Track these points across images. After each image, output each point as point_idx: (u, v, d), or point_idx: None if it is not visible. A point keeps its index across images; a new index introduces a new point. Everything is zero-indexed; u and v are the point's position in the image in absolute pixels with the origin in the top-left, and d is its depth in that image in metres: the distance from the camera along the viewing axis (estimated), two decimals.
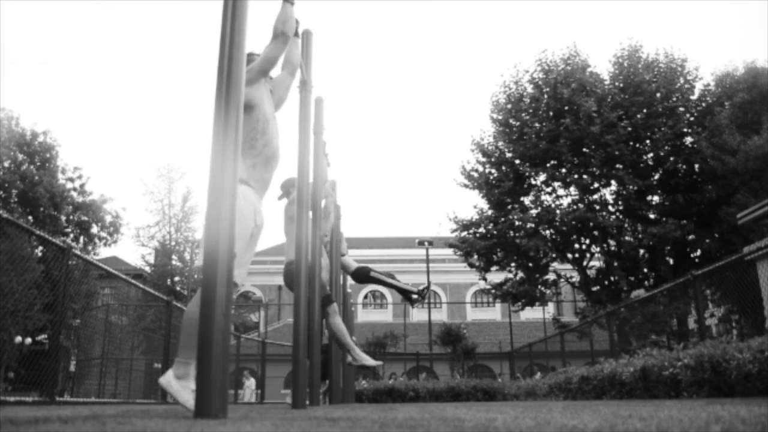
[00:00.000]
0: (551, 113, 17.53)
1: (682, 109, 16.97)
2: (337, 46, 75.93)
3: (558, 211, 17.29)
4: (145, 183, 37.26)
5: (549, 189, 18.27)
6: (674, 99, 16.95)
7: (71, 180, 23.94)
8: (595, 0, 66.05)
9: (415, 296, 5.93)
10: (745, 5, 64.85)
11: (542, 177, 17.76)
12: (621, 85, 17.35)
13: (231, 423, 1.47)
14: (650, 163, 17.24)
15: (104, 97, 65.75)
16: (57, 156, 23.43)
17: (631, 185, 16.47)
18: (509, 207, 17.94)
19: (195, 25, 70.99)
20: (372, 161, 75.38)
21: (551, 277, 18.91)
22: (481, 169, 18.87)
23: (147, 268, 25.47)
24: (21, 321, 13.91)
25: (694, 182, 16.96)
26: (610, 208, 17.67)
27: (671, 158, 16.69)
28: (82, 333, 14.01)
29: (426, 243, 26.34)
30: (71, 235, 23.26)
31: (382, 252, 36.02)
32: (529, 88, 18.34)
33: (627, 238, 17.41)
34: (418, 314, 31.61)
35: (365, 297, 34.95)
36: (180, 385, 2.52)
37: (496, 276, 19.42)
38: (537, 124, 17.61)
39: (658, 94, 16.96)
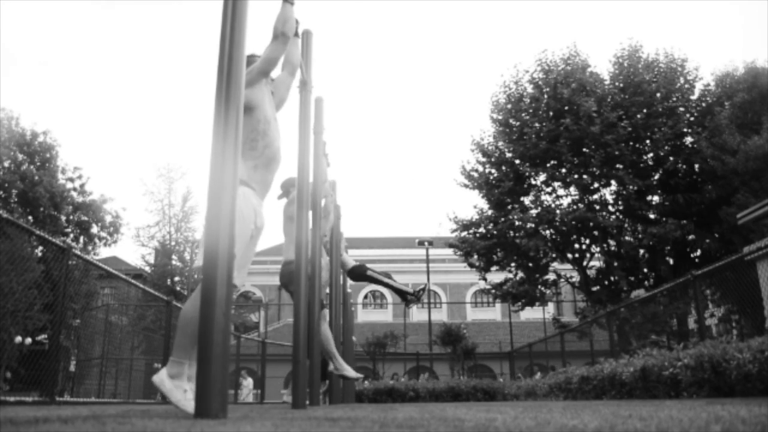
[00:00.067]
0: (551, 113, 17.53)
1: (682, 109, 16.97)
2: (337, 46, 75.95)
3: (558, 211, 17.29)
4: (145, 183, 37.29)
5: (549, 189, 18.27)
6: (674, 99, 16.95)
7: (71, 180, 23.94)
8: (595, 0, 66.07)
9: (410, 297, 5.95)
10: (745, 5, 64.87)
11: (542, 177, 17.76)
12: (621, 85, 17.35)
13: (231, 423, 1.47)
14: (650, 163, 17.24)
15: (104, 97, 65.76)
16: (57, 156, 23.42)
17: (631, 185, 16.47)
18: (509, 207, 17.94)
19: (195, 25, 70.99)
20: (372, 161, 75.41)
21: (551, 277, 18.91)
22: (481, 169, 18.87)
23: (147, 268, 25.47)
24: (21, 321, 13.91)
25: (694, 182, 16.96)
26: (610, 208, 17.67)
27: (671, 158, 16.69)
28: (82, 333, 14.02)
29: (426, 243, 26.35)
30: (71, 235, 23.26)
31: (382, 252, 36.02)
32: (529, 88, 18.34)
33: (627, 238, 17.41)
34: (418, 314, 31.61)
35: (365, 297, 34.95)
36: (173, 384, 2.52)
37: (496, 276, 19.41)
38: (537, 124, 17.61)
39: (658, 94, 16.97)
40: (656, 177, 17.29)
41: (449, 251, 20.76)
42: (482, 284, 20.23)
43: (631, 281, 17.20)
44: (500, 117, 18.64)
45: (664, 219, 16.64)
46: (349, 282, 7.37)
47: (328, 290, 5.89)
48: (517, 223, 17.40)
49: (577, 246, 18.21)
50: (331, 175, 5.69)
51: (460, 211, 33.55)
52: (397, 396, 12.22)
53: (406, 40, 71.49)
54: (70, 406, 5.12)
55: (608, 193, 17.91)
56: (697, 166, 16.87)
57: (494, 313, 33.12)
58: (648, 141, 17.00)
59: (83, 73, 66.21)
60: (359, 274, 6.23)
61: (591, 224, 16.69)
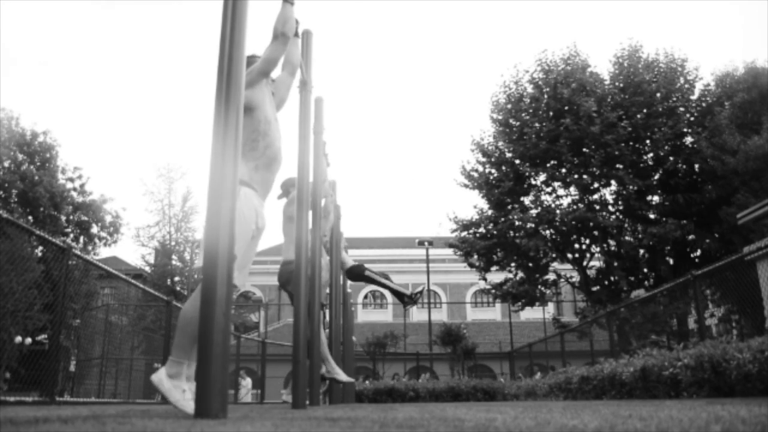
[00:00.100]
0: (551, 113, 17.53)
1: (682, 109, 16.97)
2: (337, 46, 75.96)
3: (558, 211, 17.29)
4: (145, 183, 37.24)
5: (549, 189, 18.27)
6: (674, 99, 16.96)
7: (71, 180, 23.94)
8: (595, 0, 66.08)
9: (407, 299, 5.99)
10: (745, 5, 64.88)
11: (542, 177, 17.76)
12: (621, 85, 17.35)
13: (231, 423, 1.47)
14: (650, 163, 17.25)
15: (104, 97, 65.77)
16: (57, 156, 23.42)
17: (631, 185, 16.47)
18: (509, 207, 17.94)
19: (195, 25, 71.00)
20: (372, 161, 75.41)
21: (551, 277, 18.91)
22: (481, 169, 18.87)
23: (147, 268, 25.47)
24: (21, 321, 13.91)
25: (694, 182, 16.96)
26: (610, 208, 17.67)
27: (671, 158, 16.69)
28: (82, 333, 14.02)
29: (426, 243, 26.34)
30: (71, 235, 23.26)
31: (382, 252, 36.02)
32: (529, 88, 18.34)
33: (627, 238, 17.42)
34: (418, 314, 31.62)
35: (365, 297, 34.96)
36: (171, 384, 2.51)
37: (496, 276, 19.42)
38: (537, 124, 17.61)
39: (658, 94, 16.97)
40: (656, 177, 17.29)
41: (449, 251, 20.76)
42: (482, 284, 20.23)
43: (631, 281, 17.20)
44: (500, 117, 18.65)
45: (664, 219, 16.64)
46: (349, 282, 7.37)
47: (328, 290, 5.89)
48: (517, 223, 17.40)
49: (577, 246, 18.21)
50: (331, 175, 5.69)
51: (460, 211, 33.57)
52: (397, 396, 12.21)
53: (406, 40, 71.53)
54: (70, 406, 5.12)
55: (608, 193, 17.92)
56: (697, 166, 16.87)
57: (494, 313, 33.13)
58: (648, 141, 17.00)
59: (83, 73, 66.24)
60: (357, 274, 6.25)
61: (591, 224, 16.69)
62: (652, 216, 17.33)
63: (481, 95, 75.70)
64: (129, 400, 9.90)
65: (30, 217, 21.31)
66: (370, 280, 6.13)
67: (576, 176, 17.18)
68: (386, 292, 34.05)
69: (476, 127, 49.18)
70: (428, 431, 1.22)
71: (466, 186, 19.09)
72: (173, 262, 25.35)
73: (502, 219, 17.76)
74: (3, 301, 11.18)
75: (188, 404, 2.39)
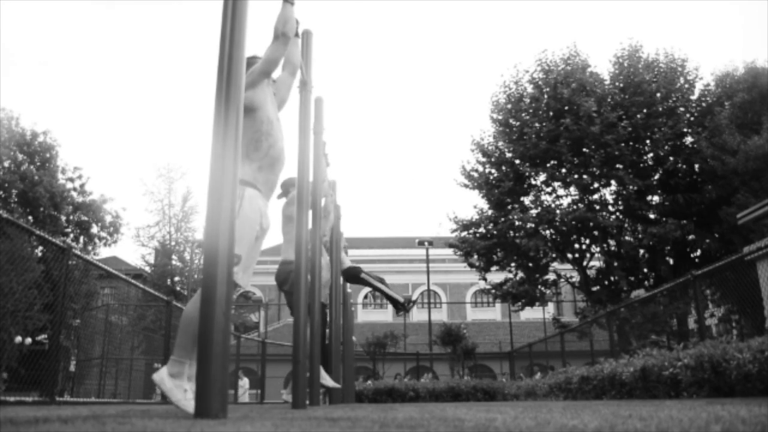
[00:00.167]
0: (551, 113, 17.53)
1: (682, 109, 16.97)
2: (337, 46, 75.96)
3: (558, 211, 17.29)
4: (145, 183, 37.29)
5: (549, 189, 18.27)
6: (674, 99, 16.96)
7: (71, 180, 23.94)
8: (595, 0, 66.08)
9: (400, 306, 6.03)
10: (745, 5, 64.88)
11: (542, 177, 17.76)
12: (621, 85, 17.35)
13: (231, 423, 1.47)
14: (650, 163, 17.25)
15: (104, 97, 65.78)
16: (57, 156, 23.42)
17: (631, 185, 16.47)
18: (509, 207, 17.94)
19: (195, 25, 71.00)
20: (372, 161, 75.42)
21: (551, 277, 18.91)
22: (481, 169, 18.88)
23: (147, 268, 25.48)
24: (21, 321, 13.91)
25: (694, 182, 16.97)
26: (610, 208, 17.67)
27: (671, 158, 16.69)
28: (82, 333, 14.02)
29: (426, 243, 26.33)
30: (71, 235, 23.26)
31: (382, 252, 36.02)
32: (529, 88, 18.34)
33: (627, 238, 17.42)
34: (418, 314, 31.60)
35: (365, 297, 34.94)
36: (173, 383, 2.52)
37: (496, 276, 19.42)
38: (537, 124, 17.61)
39: (658, 94, 16.97)
40: (656, 177, 17.30)
41: (449, 251, 20.76)
42: (482, 284, 20.23)
43: (631, 281, 17.20)
44: (500, 117, 18.65)
45: (664, 219, 16.64)
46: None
47: (328, 291, 5.89)
48: (517, 223, 17.40)
49: (577, 246, 18.21)
50: (331, 175, 5.69)
51: (460, 211, 33.58)
52: (397, 396, 12.21)
53: (406, 40, 71.52)
54: (70, 406, 5.12)
55: (608, 193, 17.92)
56: (697, 166, 16.87)
57: (494, 313, 33.12)
58: (648, 141, 17.00)
59: (83, 73, 66.25)
60: (353, 275, 6.26)
61: (591, 224, 16.69)
62: (652, 216, 17.33)
63: (481, 95, 75.73)
64: (129, 400, 9.90)
65: (30, 217, 21.32)
66: (366, 283, 6.15)
67: (576, 176, 17.18)
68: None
69: (476, 127, 49.21)
70: (428, 431, 1.22)
71: (466, 186, 19.09)
72: (173, 262, 25.36)
73: (502, 219, 17.76)
74: (3, 301, 11.17)
75: (189, 404, 2.39)
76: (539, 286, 18.55)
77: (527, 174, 17.63)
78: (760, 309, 9.10)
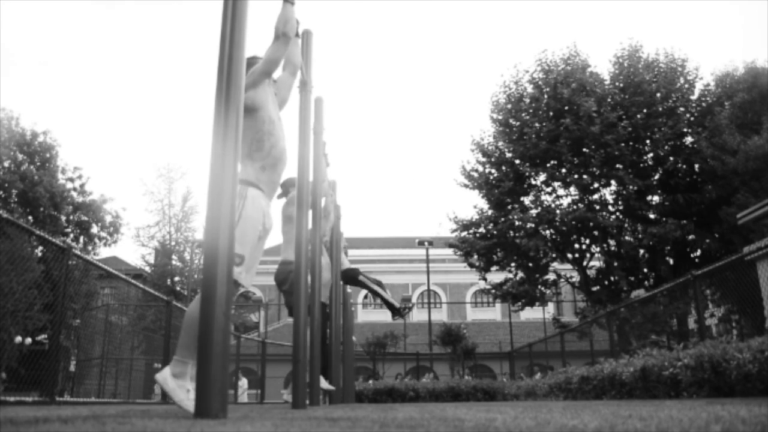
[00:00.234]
0: (551, 113, 17.53)
1: (682, 109, 16.97)
2: (337, 46, 75.95)
3: (558, 211, 17.29)
4: (145, 183, 37.29)
5: (549, 189, 18.27)
6: (674, 99, 16.96)
7: (71, 180, 23.94)
8: (595, 0, 66.08)
9: (395, 311, 6.07)
10: (745, 5, 64.88)
11: (542, 177, 17.76)
12: (621, 85, 17.35)
13: (231, 423, 1.47)
14: (650, 163, 17.25)
15: (104, 97, 65.78)
16: (57, 156, 23.42)
17: (631, 185, 16.47)
18: (509, 207, 17.94)
19: (195, 25, 71.00)
20: (372, 161, 75.41)
21: (551, 277, 18.91)
22: (481, 169, 18.88)
23: (147, 268, 25.47)
24: (21, 321, 13.90)
25: (694, 182, 16.97)
26: (610, 208, 17.68)
27: (671, 158, 16.69)
28: (82, 333, 14.01)
29: (426, 243, 26.34)
30: (71, 235, 23.26)
31: (382, 252, 36.02)
32: (529, 88, 18.34)
33: (627, 238, 17.42)
34: (418, 314, 31.61)
35: (365, 297, 34.89)
36: (176, 383, 2.52)
37: (496, 276, 19.42)
38: (537, 124, 17.62)
39: (658, 94, 16.97)
40: (656, 177, 17.30)
41: (449, 251, 20.76)
42: (482, 284, 20.23)
43: (631, 281, 17.20)
44: (500, 117, 18.65)
45: (664, 219, 16.65)
46: None
47: (328, 291, 5.89)
48: (517, 223, 17.40)
49: (577, 246, 18.21)
50: (331, 175, 5.69)
51: (460, 211, 33.58)
52: (397, 396, 12.22)
53: (406, 40, 71.52)
54: (70, 406, 5.12)
55: (608, 193, 17.92)
56: (697, 166, 16.87)
57: (494, 313, 33.12)
58: (648, 141, 17.00)
59: (83, 73, 66.25)
60: (351, 277, 6.26)
61: (591, 224, 16.69)
62: (652, 216, 17.33)
63: (481, 95, 75.72)
64: (129, 400, 9.90)
65: (30, 217, 21.31)
66: (364, 286, 6.15)
67: (576, 176, 17.18)
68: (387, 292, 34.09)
69: (476, 127, 49.22)
70: (428, 431, 1.22)
71: (466, 186, 19.09)
72: (173, 262, 25.36)
73: (502, 219, 17.76)
74: (3, 301, 11.17)
75: (192, 404, 2.39)
76: (539, 286, 18.55)
77: (527, 174, 17.63)
78: (760, 309, 9.10)
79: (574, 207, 17.27)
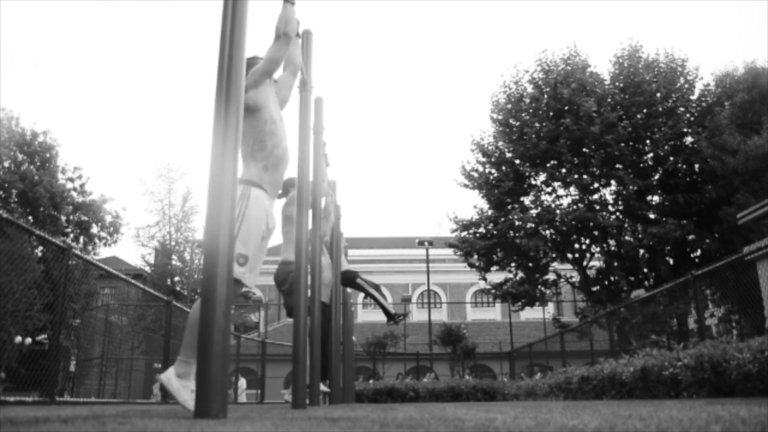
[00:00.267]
0: (551, 113, 17.53)
1: (682, 109, 16.97)
2: (337, 46, 75.95)
3: (558, 211, 17.29)
4: (145, 183, 37.24)
5: (549, 189, 18.27)
6: (674, 99, 16.96)
7: (71, 180, 23.93)
8: (595, 0, 66.08)
9: (390, 317, 6.10)
10: (745, 5, 64.88)
11: (542, 177, 17.76)
12: (621, 85, 17.35)
13: (231, 423, 1.47)
14: (650, 163, 17.25)
15: (104, 97, 65.78)
16: (57, 156, 23.41)
17: (631, 185, 16.47)
18: (509, 207, 17.94)
19: (195, 25, 70.99)
20: (371, 161, 75.41)
21: (551, 277, 18.91)
22: (481, 169, 18.88)
23: (147, 268, 25.46)
24: (21, 321, 13.90)
25: (694, 182, 16.97)
26: (610, 208, 17.68)
27: (671, 158, 16.69)
28: (82, 333, 14.01)
29: (426, 243, 26.34)
30: (71, 235, 23.25)
31: (382, 252, 36.03)
32: (529, 88, 18.34)
33: (627, 238, 17.42)
34: (418, 314, 31.62)
35: (365, 297, 34.92)
36: (180, 383, 2.52)
37: (496, 276, 19.42)
38: (537, 124, 17.62)
39: (658, 94, 16.97)
40: (656, 177, 17.30)
41: (449, 251, 20.76)
42: (482, 284, 20.23)
43: (631, 281, 17.20)
44: (500, 117, 18.65)
45: (664, 219, 16.65)
46: None
47: (329, 291, 5.89)
48: (517, 223, 17.40)
49: (577, 246, 18.21)
50: (331, 175, 5.69)
51: (460, 211, 33.59)
52: (397, 396, 12.21)
53: (406, 40, 71.52)
54: (70, 406, 5.11)
55: (608, 193, 17.92)
56: (697, 166, 16.87)
57: (494, 313, 33.12)
58: (648, 141, 17.00)
59: (83, 73, 66.25)
60: (349, 279, 6.26)
61: (591, 224, 16.69)
62: (652, 216, 17.33)
63: (481, 95, 75.72)
64: (129, 400, 9.90)
65: (30, 217, 21.30)
66: (361, 289, 6.16)
67: (576, 176, 17.18)
68: (387, 292, 34.10)
69: (476, 127, 49.23)
70: (428, 431, 1.22)
71: (466, 186, 19.09)
72: (173, 262, 25.34)
73: (502, 219, 17.76)
74: (3, 301, 11.17)
75: None
76: (539, 286, 18.55)
77: (527, 174, 17.63)
78: (760, 309, 9.10)
79: (574, 207, 17.28)
